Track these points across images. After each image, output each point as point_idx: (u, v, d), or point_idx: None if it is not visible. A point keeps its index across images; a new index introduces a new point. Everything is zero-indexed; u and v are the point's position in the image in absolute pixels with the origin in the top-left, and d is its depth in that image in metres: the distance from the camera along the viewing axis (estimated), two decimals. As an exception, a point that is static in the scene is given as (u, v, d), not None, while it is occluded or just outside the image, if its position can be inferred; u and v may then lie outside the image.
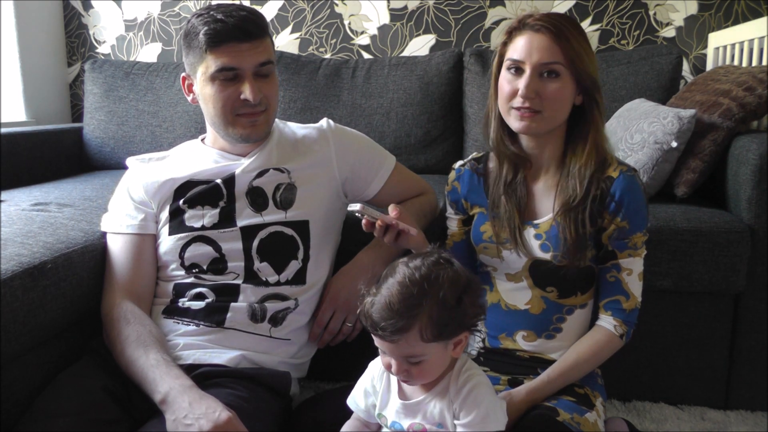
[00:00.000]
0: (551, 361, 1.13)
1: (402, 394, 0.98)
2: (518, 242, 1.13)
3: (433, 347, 0.89)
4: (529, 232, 1.13)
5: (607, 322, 1.12)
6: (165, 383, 1.00)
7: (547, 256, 1.11)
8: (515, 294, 1.16)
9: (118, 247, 1.22)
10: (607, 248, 1.11)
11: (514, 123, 1.12)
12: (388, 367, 0.94)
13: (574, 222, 1.08)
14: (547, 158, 1.16)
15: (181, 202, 1.23)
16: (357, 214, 1.10)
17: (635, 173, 1.11)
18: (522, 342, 1.15)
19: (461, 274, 0.92)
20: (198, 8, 2.50)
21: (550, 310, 1.14)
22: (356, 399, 1.03)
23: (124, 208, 1.25)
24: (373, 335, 0.92)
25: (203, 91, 1.20)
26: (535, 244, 1.12)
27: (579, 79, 1.09)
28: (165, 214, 1.23)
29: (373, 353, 1.06)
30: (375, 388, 1.01)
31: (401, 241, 1.13)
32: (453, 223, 1.28)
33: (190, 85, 1.24)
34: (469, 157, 1.27)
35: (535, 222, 1.14)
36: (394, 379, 0.98)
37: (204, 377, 1.08)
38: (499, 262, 1.17)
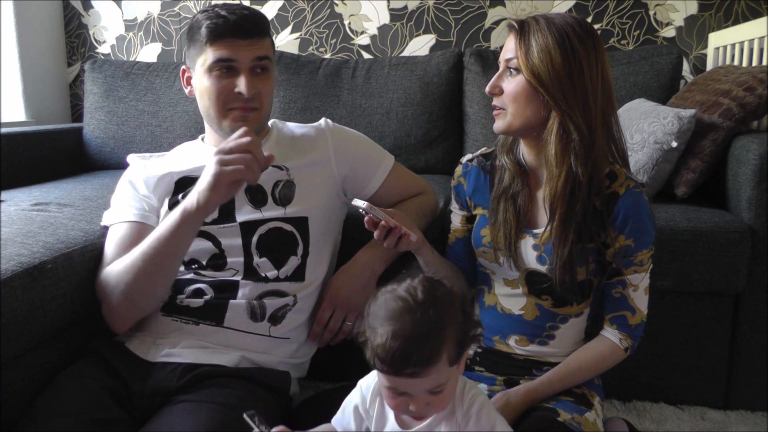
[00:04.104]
0: (547, 363, 1.12)
1: (400, 422, 0.88)
2: (512, 254, 1.11)
3: (452, 370, 0.82)
4: (528, 242, 1.11)
5: (612, 334, 1.11)
6: (174, 213, 1.07)
7: (543, 269, 1.09)
8: (510, 299, 1.15)
9: (117, 233, 1.22)
10: (612, 265, 1.08)
11: None
12: (404, 410, 0.83)
13: (564, 241, 1.04)
14: (545, 166, 1.10)
15: (180, 197, 1.23)
16: (361, 211, 1.08)
17: (642, 189, 1.06)
18: (515, 346, 1.14)
19: (453, 286, 0.86)
20: (199, 8, 2.52)
21: (543, 318, 1.13)
22: (345, 423, 0.94)
23: (127, 200, 1.26)
24: (388, 378, 0.81)
25: (200, 83, 1.21)
26: (532, 255, 1.10)
27: (538, 80, 1.01)
28: (164, 209, 1.24)
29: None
30: (368, 412, 0.92)
31: (401, 246, 1.12)
32: (457, 218, 1.26)
33: (189, 78, 1.26)
34: (478, 152, 1.24)
35: (535, 231, 1.11)
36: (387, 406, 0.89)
37: (204, 377, 1.08)
38: (497, 267, 1.16)
